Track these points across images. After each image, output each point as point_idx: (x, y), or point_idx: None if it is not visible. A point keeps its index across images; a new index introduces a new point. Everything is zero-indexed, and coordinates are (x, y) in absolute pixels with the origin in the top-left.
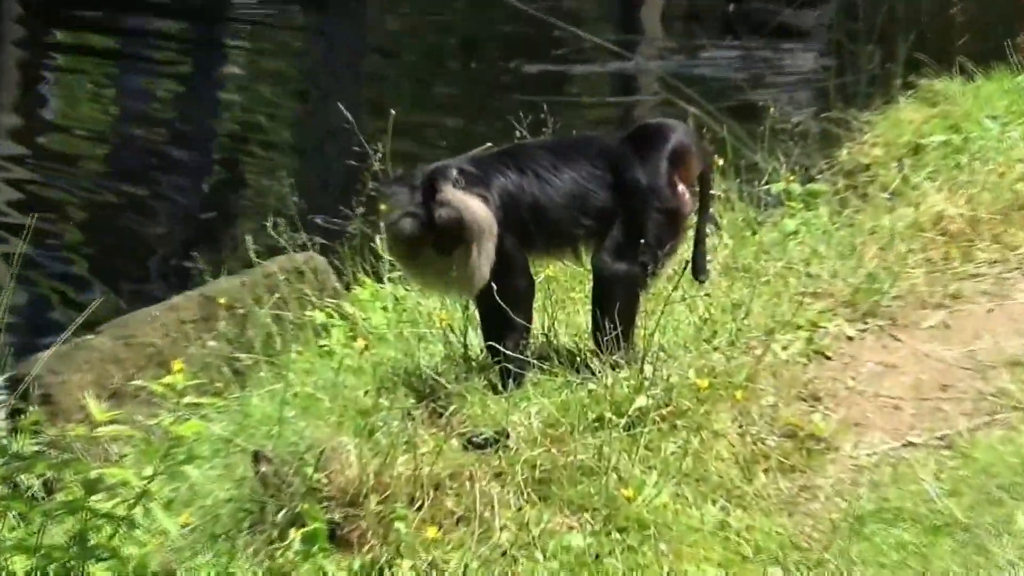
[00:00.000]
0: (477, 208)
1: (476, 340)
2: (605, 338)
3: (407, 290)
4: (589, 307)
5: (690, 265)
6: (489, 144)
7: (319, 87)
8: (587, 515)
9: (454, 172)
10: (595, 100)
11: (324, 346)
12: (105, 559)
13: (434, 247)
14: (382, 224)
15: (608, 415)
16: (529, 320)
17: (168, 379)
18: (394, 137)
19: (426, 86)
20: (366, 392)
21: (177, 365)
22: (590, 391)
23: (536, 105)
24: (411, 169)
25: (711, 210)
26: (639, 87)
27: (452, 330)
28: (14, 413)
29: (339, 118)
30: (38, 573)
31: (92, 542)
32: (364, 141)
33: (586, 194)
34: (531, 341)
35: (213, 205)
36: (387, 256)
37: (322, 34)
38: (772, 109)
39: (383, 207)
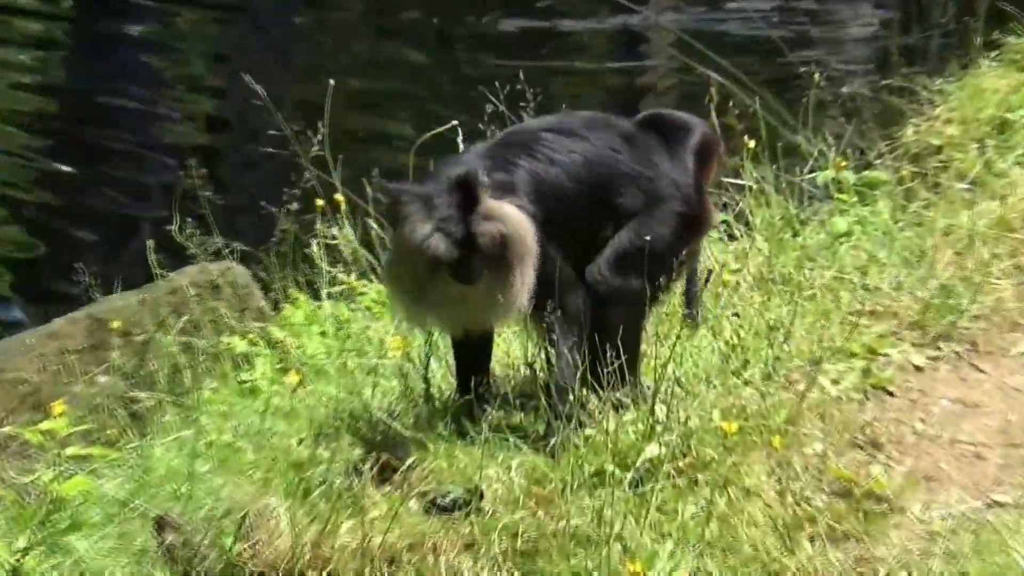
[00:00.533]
0: (519, 221)
1: (441, 373)
2: (605, 370)
3: (352, 310)
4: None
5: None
6: (455, 123)
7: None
8: None
9: (484, 176)
10: (592, 66)
11: (246, 382)
12: None
13: (458, 268)
14: (390, 242)
15: (610, 468)
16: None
17: (46, 424)
18: (336, 114)
19: (374, 47)
20: (300, 440)
21: (58, 407)
22: (587, 438)
23: (514, 72)
24: (428, 172)
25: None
26: (647, 49)
27: (410, 361)
28: None
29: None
30: None
31: None
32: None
33: (614, 190)
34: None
35: (102, 202)
36: (325, 267)
37: None
38: (818, 76)
39: (391, 218)
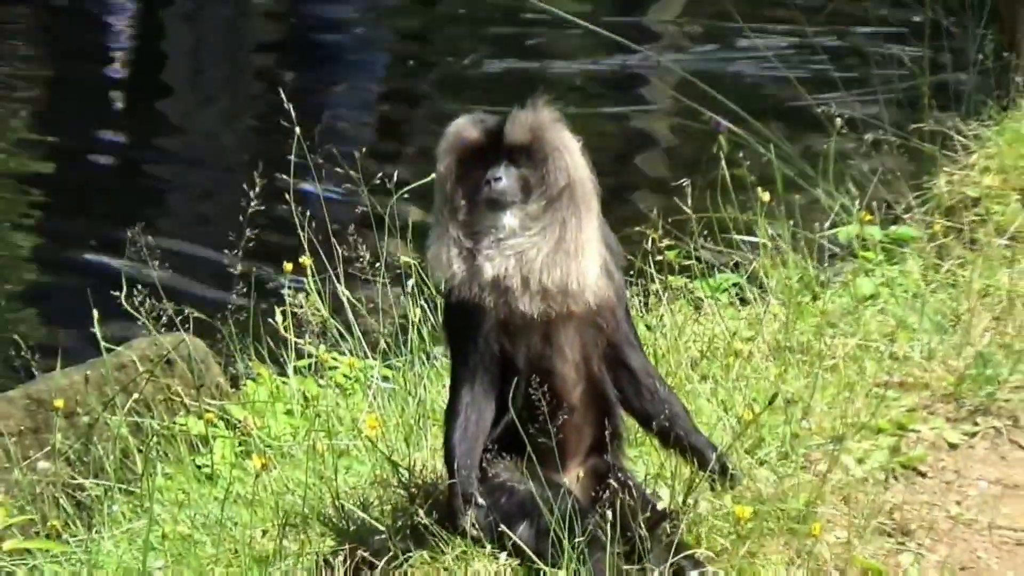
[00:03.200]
0: (570, 141)
1: (422, 456)
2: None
3: (321, 386)
4: None
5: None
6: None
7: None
8: None
9: None
10: (583, 111)
11: (204, 467)
12: None
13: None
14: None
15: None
16: None
17: None
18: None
19: (352, 89)
20: (264, 532)
21: None
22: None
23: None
24: None
25: None
26: (648, 92)
27: (384, 441)
28: None
29: (221, 126)
30: None
31: None
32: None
33: None
34: None
35: (39, 267)
36: (291, 338)
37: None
38: (839, 121)
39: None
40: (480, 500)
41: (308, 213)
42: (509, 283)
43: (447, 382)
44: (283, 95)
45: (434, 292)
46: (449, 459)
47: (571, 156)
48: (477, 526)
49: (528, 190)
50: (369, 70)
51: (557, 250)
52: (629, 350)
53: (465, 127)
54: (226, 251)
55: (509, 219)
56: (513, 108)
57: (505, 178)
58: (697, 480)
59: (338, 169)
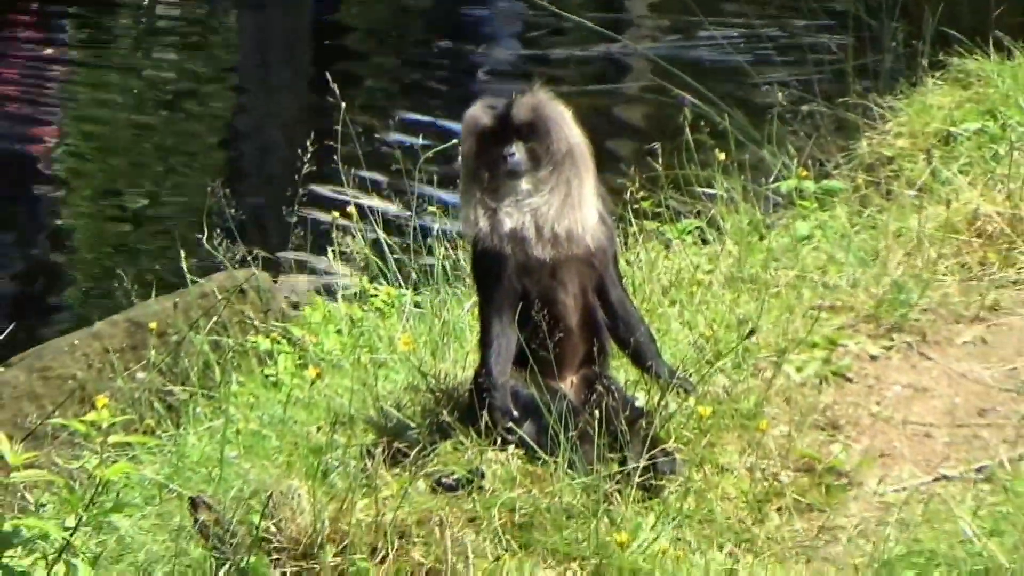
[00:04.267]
0: (566, 116)
1: (445, 367)
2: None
3: (364, 310)
4: None
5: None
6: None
7: (252, 72)
8: (574, 565)
9: None
10: (575, 89)
11: (270, 376)
12: None
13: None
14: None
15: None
16: None
17: (92, 416)
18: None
19: (378, 70)
20: (319, 428)
21: (101, 400)
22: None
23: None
24: None
25: None
26: (628, 74)
27: (415, 355)
28: None
29: (277, 106)
30: None
31: None
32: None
33: None
34: None
35: (137, 215)
36: (340, 270)
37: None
38: (780, 95)
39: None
40: (515, 412)
41: (352, 171)
42: (525, 233)
43: (466, 308)
44: (328, 77)
45: (456, 237)
46: (489, 380)
47: (569, 127)
48: (511, 433)
49: (537, 159)
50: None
51: (564, 204)
52: (611, 286)
53: (479, 114)
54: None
55: (524, 184)
56: (515, 94)
57: (517, 152)
58: (666, 390)
59: (377, 135)
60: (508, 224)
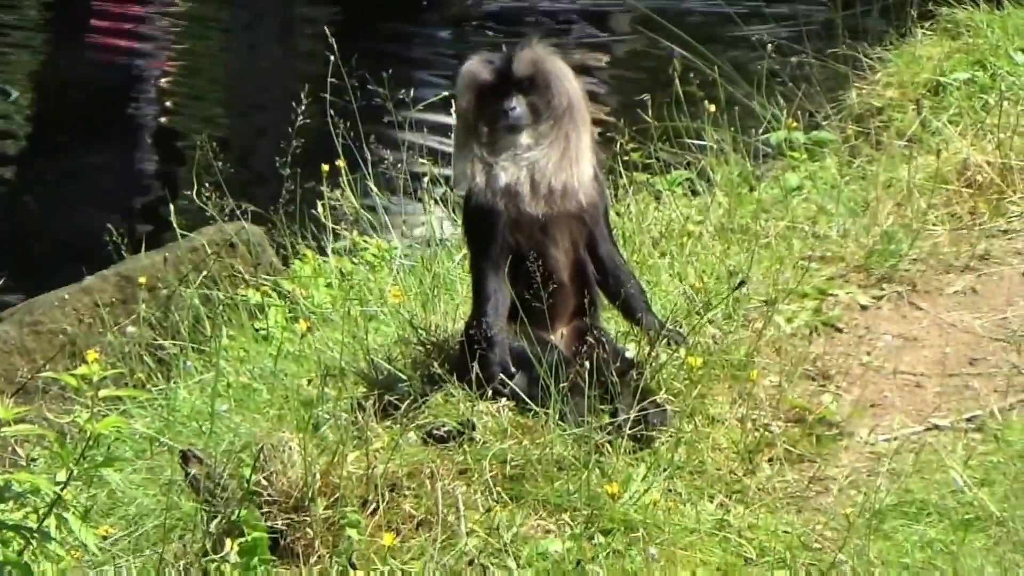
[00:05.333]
0: (565, 71)
1: (435, 319)
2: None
3: (355, 263)
4: None
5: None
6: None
7: (246, 28)
8: (566, 516)
9: None
10: (567, 40)
11: (260, 330)
12: None
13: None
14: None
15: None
16: None
17: (82, 370)
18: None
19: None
20: (309, 381)
21: (92, 355)
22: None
23: (496, 44)
24: None
25: None
26: (615, 24)
27: (405, 307)
28: None
29: (270, 62)
30: None
31: None
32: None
33: None
34: None
35: (127, 169)
36: (330, 225)
37: None
38: (770, 47)
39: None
40: (511, 368)
41: (345, 123)
42: (519, 189)
43: (456, 261)
44: (327, 32)
45: (449, 191)
46: (486, 337)
47: (569, 81)
48: (507, 385)
49: (537, 113)
50: None
51: (563, 158)
52: (601, 241)
53: (478, 69)
54: (278, 158)
55: (524, 138)
56: (515, 47)
57: (518, 106)
58: (656, 341)
59: (369, 87)
60: (503, 179)
